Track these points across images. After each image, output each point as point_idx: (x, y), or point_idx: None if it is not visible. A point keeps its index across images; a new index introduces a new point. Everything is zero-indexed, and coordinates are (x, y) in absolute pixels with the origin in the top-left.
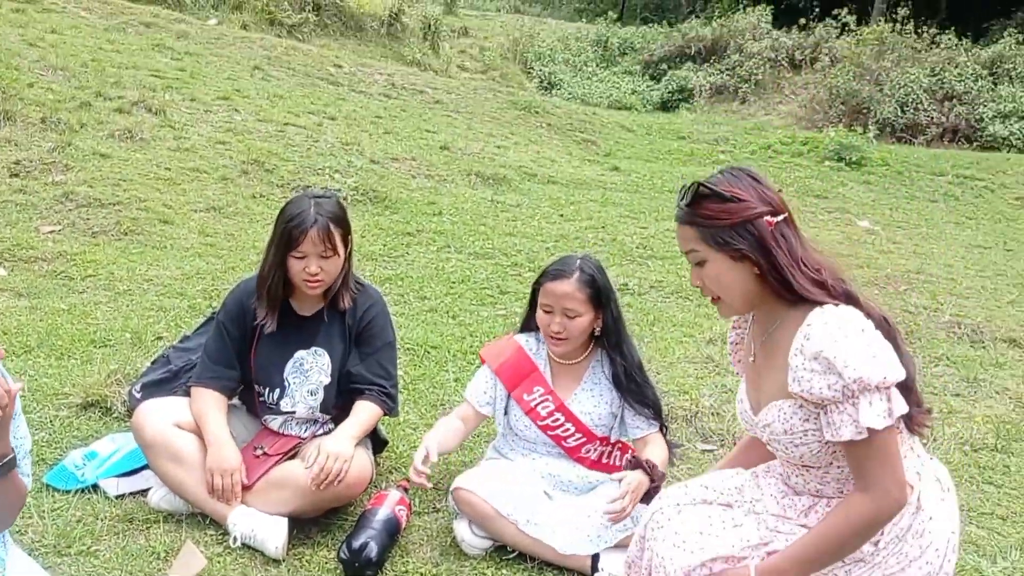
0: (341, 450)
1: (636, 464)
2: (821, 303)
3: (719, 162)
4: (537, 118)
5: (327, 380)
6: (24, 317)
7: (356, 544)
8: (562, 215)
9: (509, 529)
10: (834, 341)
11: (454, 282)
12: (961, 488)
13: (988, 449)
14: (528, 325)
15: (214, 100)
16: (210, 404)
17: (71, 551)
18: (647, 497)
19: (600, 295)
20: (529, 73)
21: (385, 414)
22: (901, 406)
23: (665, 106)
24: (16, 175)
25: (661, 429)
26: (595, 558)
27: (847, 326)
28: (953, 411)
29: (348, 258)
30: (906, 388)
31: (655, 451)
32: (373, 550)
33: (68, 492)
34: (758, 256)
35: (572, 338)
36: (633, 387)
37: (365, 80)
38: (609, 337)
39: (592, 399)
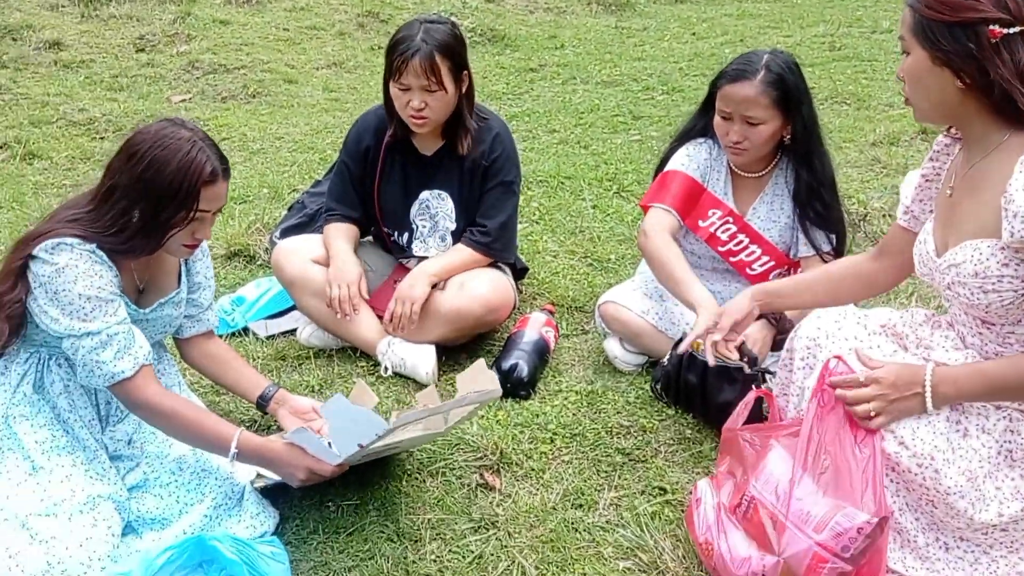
0: (412, 294)
1: (758, 316)
2: None
3: None
4: None
5: (453, 226)
6: None
7: (506, 365)
8: (694, 34)
9: (665, 344)
10: None
11: (583, 112)
12: None
13: None
14: (696, 129)
15: None
16: (336, 231)
17: (227, 392)
18: (776, 346)
19: (789, 98)
20: None
21: (489, 258)
22: None
23: None
24: (142, 50)
25: (839, 256)
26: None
27: None
28: None
29: (465, 98)
30: None
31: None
32: (524, 370)
33: (220, 336)
34: (966, 66)
35: (754, 147)
36: (817, 207)
37: None
38: (798, 147)
39: (771, 213)
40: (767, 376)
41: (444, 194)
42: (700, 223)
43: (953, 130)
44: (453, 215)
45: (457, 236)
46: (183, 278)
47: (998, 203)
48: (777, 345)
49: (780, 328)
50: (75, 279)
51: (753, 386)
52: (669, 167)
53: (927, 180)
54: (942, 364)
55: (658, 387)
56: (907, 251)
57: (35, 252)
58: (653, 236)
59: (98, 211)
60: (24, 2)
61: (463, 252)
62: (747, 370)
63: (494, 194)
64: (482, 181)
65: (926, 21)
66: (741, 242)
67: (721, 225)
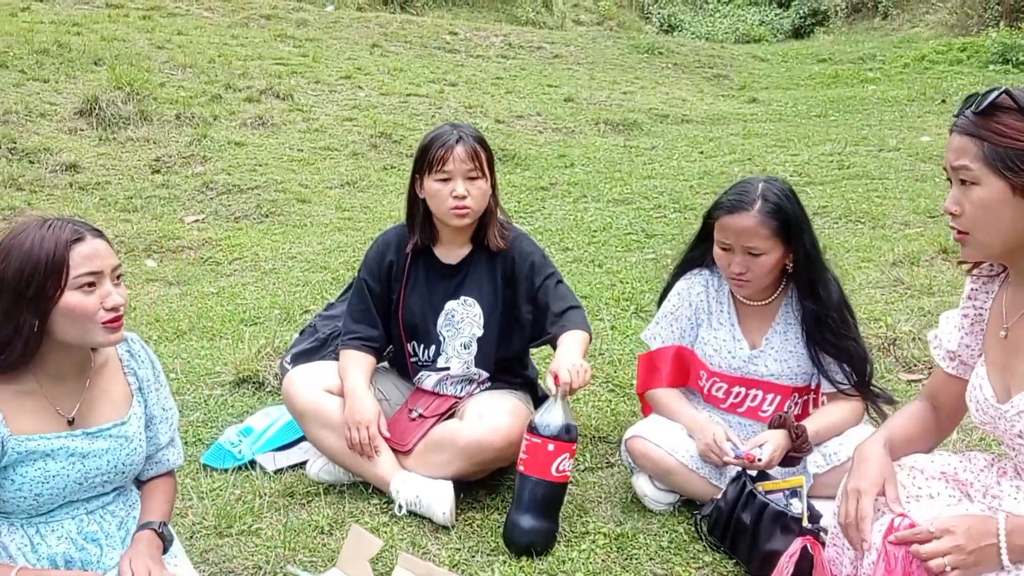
0: (580, 361)
1: (781, 423)
2: None
3: (868, 81)
4: (662, 59)
5: (480, 332)
6: (176, 303)
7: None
8: (702, 152)
9: (697, 484)
10: None
11: (595, 231)
12: None
13: None
14: (694, 259)
15: (337, 80)
16: (352, 361)
17: (232, 531)
18: (789, 461)
19: (789, 227)
20: (648, 19)
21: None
22: None
23: (798, 33)
24: (157, 171)
25: (862, 388)
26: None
27: None
28: None
29: (494, 191)
30: None
31: (830, 416)
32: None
33: (226, 470)
34: None
35: (757, 278)
36: (828, 337)
37: (481, 44)
38: (800, 276)
39: (786, 343)
40: (823, 534)
41: (471, 300)
42: (698, 383)
43: (993, 266)
44: (480, 320)
45: (485, 343)
46: (135, 410)
47: None
48: (790, 461)
49: (798, 443)
50: None
51: (798, 535)
52: (648, 333)
53: (971, 322)
54: (1015, 515)
55: (704, 526)
56: (961, 397)
57: None
58: (654, 398)
59: None
60: (43, 126)
61: (582, 335)
62: (806, 524)
63: (549, 285)
64: (528, 283)
65: (1001, 149)
66: (739, 393)
67: (711, 386)
